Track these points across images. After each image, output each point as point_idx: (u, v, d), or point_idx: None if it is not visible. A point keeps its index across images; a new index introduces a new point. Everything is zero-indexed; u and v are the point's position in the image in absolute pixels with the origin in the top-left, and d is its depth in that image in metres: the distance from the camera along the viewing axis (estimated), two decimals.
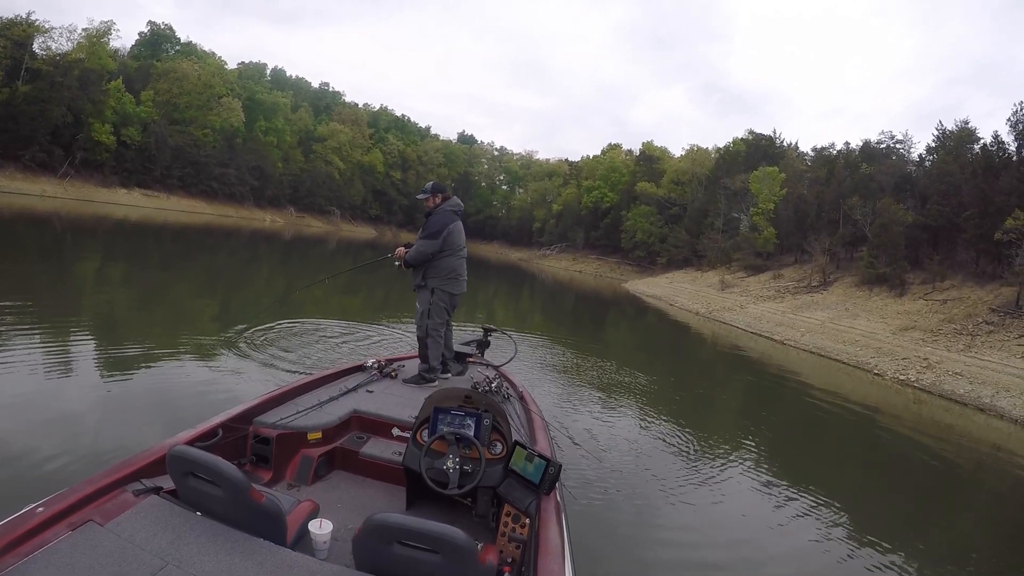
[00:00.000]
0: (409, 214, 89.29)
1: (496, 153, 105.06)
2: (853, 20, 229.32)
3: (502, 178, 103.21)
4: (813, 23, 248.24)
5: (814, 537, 5.68)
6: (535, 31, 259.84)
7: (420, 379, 5.45)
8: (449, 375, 5.80)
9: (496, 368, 6.21)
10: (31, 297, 10.78)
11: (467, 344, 6.56)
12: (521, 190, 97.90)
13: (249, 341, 9.26)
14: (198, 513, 2.45)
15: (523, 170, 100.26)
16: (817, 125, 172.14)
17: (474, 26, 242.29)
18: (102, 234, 27.02)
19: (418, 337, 5.76)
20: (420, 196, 5.72)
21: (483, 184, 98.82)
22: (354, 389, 4.84)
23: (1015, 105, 27.29)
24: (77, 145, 45.27)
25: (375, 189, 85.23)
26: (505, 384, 5.46)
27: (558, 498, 3.39)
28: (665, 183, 62.04)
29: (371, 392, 4.91)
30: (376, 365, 5.49)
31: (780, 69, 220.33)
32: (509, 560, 3.05)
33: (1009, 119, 26.35)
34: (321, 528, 2.69)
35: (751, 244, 40.83)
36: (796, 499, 6.48)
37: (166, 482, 2.69)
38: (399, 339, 11.54)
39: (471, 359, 6.36)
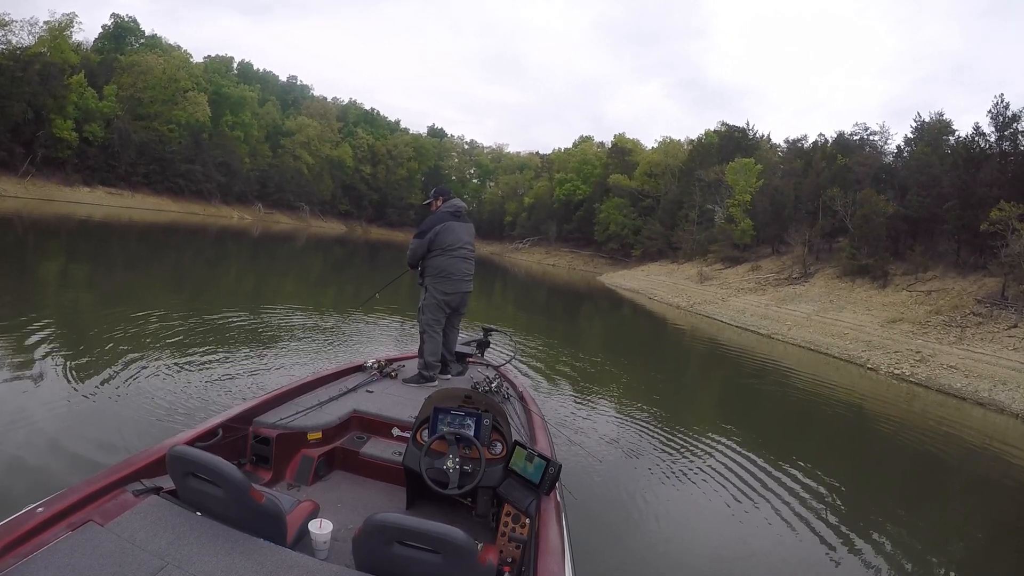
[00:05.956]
0: (379, 209, 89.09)
1: (467, 147, 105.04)
2: (836, 17, 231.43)
3: (473, 171, 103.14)
4: (795, 21, 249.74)
5: (813, 533, 5.69)
6: (514, 25, 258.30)
7: (420, 379, 5.50)
8: (449, 375, 5.86)
9: (496, 368, 6.24)
10: None
11: (467, 344, 6.58)
12: (492, 183, 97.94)
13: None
14: (198, 513, 2.45)
15: (494, 163, 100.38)
16: (794, 120, 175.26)
17: (452, 20, 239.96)
18: (65, 235, 26.41)
19: (419, 332, 5.88)
20: (426, 202, 6.00)
21: (453, 178, 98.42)
22: (354, 389, 4.85)
23: (995, 97, 27.68)
24: (38, 143, 44.20)
25: (344, 184, 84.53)
26: (505, 384, 5.50)
27: (558, 498, 3.40)
28: (638, 175, 62.42)
29: (371, 392, 4.92)
30: (376, 365, 5.52)
31: (759, 66, 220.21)
32: (509, 560, 3.05)
33: (990, 111, 26.61)
34: (321, 528, 2.69)
35: (728, 236, 41.00)
36: (796, 496, 6.48)
37: (166, 482, 2.69)
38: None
39: (471, 359, 6.39)
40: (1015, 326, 17.97)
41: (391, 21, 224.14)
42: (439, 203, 5.89)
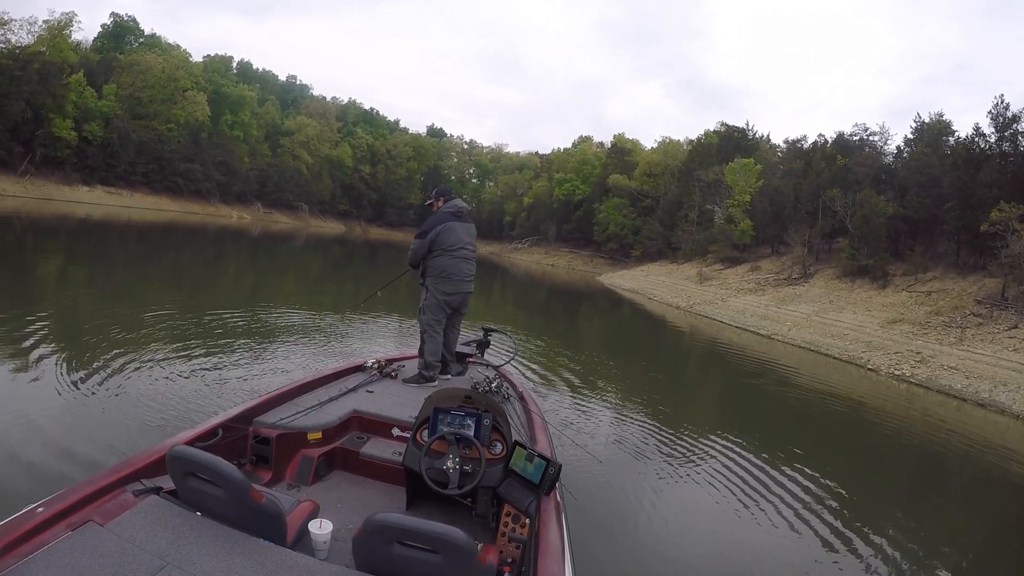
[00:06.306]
0: (379, 209, 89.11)
1: (466, 147, 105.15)
2: (836, 17, 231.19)
3: (472, 171, 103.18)
4: (795, 22, 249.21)
5: (813, 533, 5.69)
6: (514, 25, 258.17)
7: (420, 379, 5.49)
8: (449, 375, 5.86)
9: (496, 368, 6.25)
10: None
11: (467, 344, 6.57)
12: (491, 183, 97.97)
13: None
14: (198, 513, 2.45)
15: (493, 163, 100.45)
16: (794, 120, 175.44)
17: (451, 19, 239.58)
18: (64, 234, 26.35)
19: (420, 332, 5.89)
20: (428, 202, 6.03)
21: (453, 178, 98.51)
22: (354, 389, 4.85)
23: (995, 98, 27.57)
24: (37, 142, 44.10)
25: (344, 183, 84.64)
26: (505, 384, 5.49)
27: (558, 498, 3.40)
28: (637, 175, 62.42)
29: (371, 392, 4.91)
30: (376, 365, 5.52)
31: (759, 66, 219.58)
32: (509, 560, 3.05)
33: (990, 112, 26.55)
34: (321, 528, 2.69)
35: (728, 236, 40.91)
36: (797, 496, 6.48)
37: (166, 482, 2.70)
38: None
39: (471, 359, 6.38)
40: (1015, 327, 17.92)
41: (391, 21, 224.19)
42: (440, 203, 5.89)
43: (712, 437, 8.23)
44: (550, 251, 70.51)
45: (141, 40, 62.56)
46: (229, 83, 68.95)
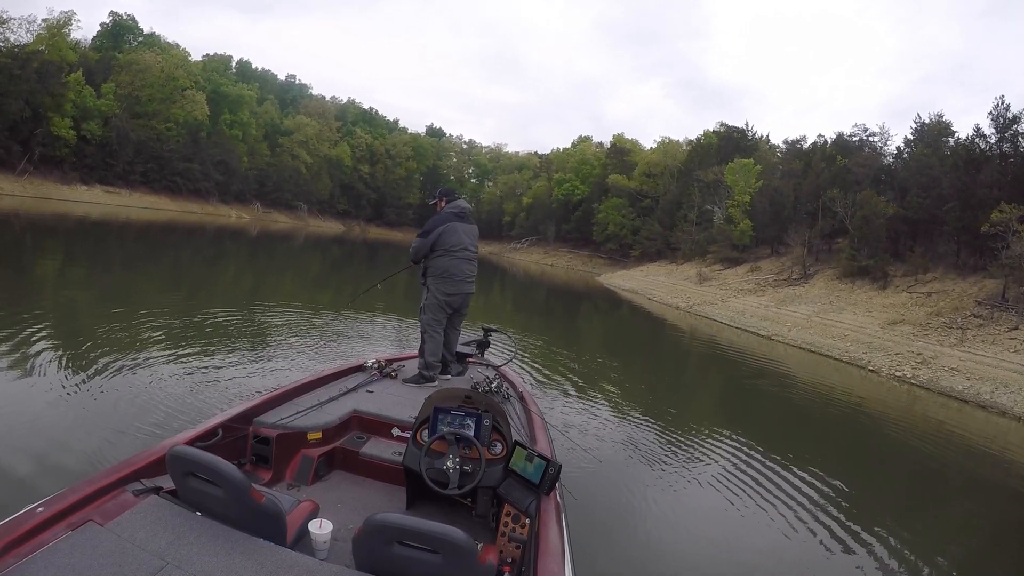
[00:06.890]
0: (378, 208, 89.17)
1: (465, 146, 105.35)
2: (836, 17, 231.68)
3: (471, 171, 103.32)
4: (795, 21, 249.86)
5: (814, 535, 5.68)
6: (513, 25, 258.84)
7: (420, 379, 5.50)
8: (449, 375, 5.87)
9: (496, 368, 6.25)
10: None
11: (467, 344, 6.57)
12: (490, 183, 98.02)
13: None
14: (198, 513, 2.45)
15: (492, 163, 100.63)
16: (793, 120, 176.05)
17: (451, 19, 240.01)
18: (62, 233, 26.29)
19: (420, 332, 5.90)
20: (431, 202, 6.08)
21: (452, 177, 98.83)
22: (354, 389, 4.85)
23: (996, 99, 27.55)
24: (36, 141, 44.03)
25: (343, 183, 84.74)
26: (505, 384, 5.49)
27: (558, 498, 3.41)
28: (637, 175, 62.37)
29: (371, 392, 4.91)
30: (376, 365, 5.53)
31: (759, 66, 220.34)
32: (509, 560, 3.06)
33: (990, 112, 26.53)
34: (321, 528, 2.69)
35: (727, 236, 40.86)
36: (797, 497, 6.46)
37: (166, 482, 2.70)
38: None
39: (471, 359, 6.39)
40: (1016, 328, 17.89)
41: (391, 20, 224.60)
42: (443, 203, 5.90)
43: (712, 438, 8.22)
44: (549, 251, 70.52)
45: (140, 39, 62.42)
46: (228, 82, 68.88)
